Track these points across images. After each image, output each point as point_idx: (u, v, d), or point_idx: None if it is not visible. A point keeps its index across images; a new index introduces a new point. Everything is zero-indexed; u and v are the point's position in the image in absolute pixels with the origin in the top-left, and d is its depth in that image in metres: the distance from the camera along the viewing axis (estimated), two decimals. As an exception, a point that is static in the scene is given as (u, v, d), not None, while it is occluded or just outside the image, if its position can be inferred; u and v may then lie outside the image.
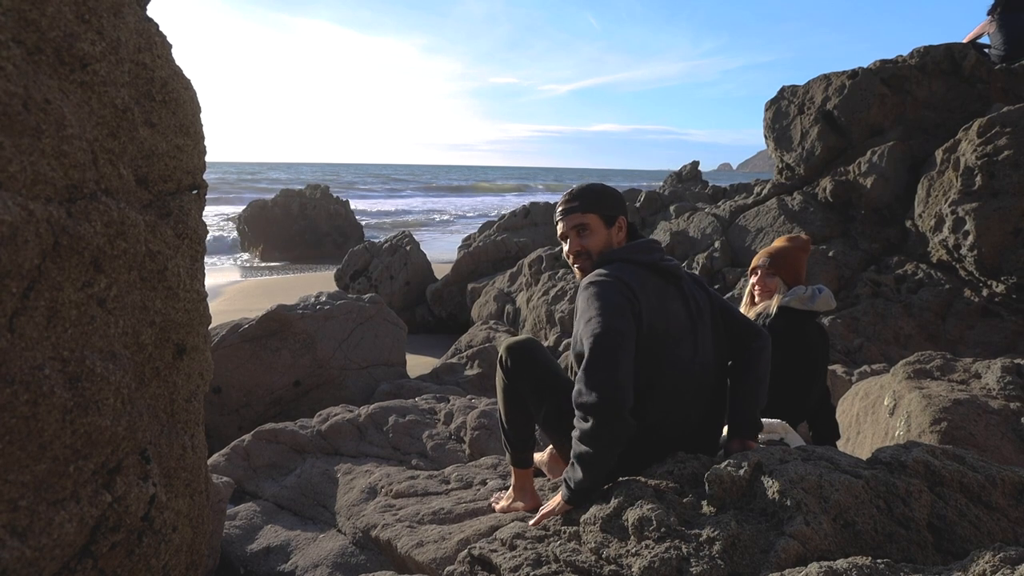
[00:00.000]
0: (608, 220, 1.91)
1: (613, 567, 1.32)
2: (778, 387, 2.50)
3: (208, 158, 1.65)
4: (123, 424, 1.24)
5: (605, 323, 1.63)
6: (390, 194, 43.52)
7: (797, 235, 2.79)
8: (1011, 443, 2.39)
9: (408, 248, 9.98)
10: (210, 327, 1.71)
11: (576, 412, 1.63)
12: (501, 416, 2.07)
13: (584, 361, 1.63)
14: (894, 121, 6.34)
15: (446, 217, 29.18)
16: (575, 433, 1.63)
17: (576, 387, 1.63)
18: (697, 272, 6.19)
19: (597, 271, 1.79)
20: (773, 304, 2.60)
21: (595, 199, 1.92)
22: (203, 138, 1.59)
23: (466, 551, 1.57)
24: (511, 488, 2.13)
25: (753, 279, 2.73)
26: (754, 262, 2.75)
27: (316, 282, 13.02)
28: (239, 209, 20.42)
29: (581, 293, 1.76)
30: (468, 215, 30.05)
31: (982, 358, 3.05)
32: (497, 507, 2.18)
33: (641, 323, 1.69)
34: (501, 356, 2.00)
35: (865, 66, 6.53)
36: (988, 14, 6.09)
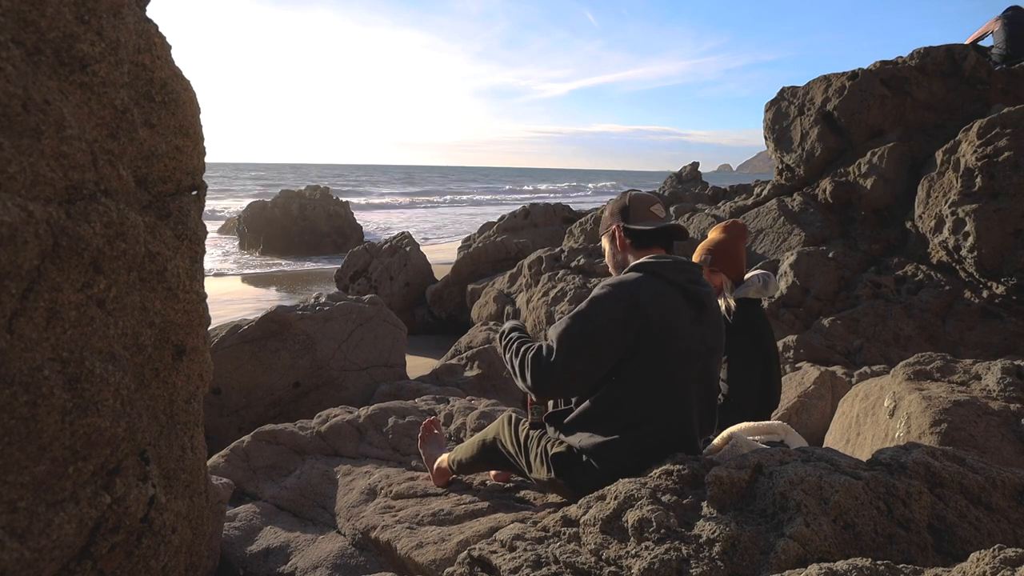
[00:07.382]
0: (610, 236, 2.07)
1: (613, 568, 1.32)
2: (751, 379, 2.52)
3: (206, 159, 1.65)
4: (122, 425, 1.24)
5: (580, 322, 1.77)
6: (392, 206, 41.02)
7: (732, 222, 2.74)
8: (1011, 444, 2.39)
9: (408, 249, 9.98)
10: (209, 328, 1.71)
11: (528, 355, 1.80)
12: (472, 452, 2.28)
13: (558, 334, 1.78)
14: (894, 122, 6.34)
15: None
16: (515, 358, 1.86)
17: (543, 345, 1.81)
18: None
19: (619, 276, 1.90)
20: (730, 299, 2.63)
21: (598, 225, 2.09)
22: (203, 139, 1.59)
23: (466, 552, 1.57)
24: (435, 472, 2.47)
25: None
26: (695, 258, 2.69)
27: (315, 283, 13.03)
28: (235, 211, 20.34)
29: (597, 288, 1.88)
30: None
31: (982, 359, 3.05)
32: (432, 462, 2.51)
33: (647, 330, 1.77)
34: (497, 437, 2.20)
35: (866, 67, 6.53)
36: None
